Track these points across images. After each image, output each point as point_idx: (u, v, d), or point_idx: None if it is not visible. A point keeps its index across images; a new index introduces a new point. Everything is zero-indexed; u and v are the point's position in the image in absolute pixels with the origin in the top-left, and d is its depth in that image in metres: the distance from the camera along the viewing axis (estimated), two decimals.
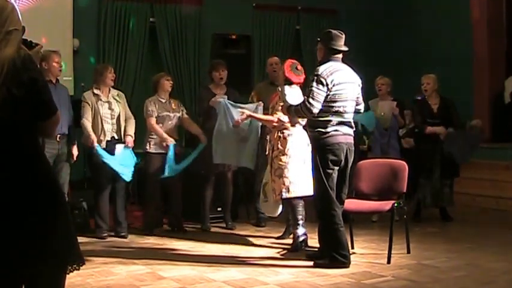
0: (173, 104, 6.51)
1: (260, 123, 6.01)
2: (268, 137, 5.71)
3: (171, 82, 6.51)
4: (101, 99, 6.13)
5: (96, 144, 5.95)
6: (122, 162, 6.06)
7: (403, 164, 5.44)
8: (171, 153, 6.23)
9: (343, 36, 4.91)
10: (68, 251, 2.39)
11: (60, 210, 2.36)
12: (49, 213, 2.30)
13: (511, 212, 7.39)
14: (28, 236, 2.24)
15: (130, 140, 6.17)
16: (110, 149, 6.05)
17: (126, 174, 6.08)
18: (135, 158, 6.18)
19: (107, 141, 6.09)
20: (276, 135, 5.53)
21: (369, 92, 7.10)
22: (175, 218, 6.50)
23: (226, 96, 6.39)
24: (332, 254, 4.83)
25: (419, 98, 7.20)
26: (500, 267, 4.90)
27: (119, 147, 6.11)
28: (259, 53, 8.94)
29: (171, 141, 6.27)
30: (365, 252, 5.44)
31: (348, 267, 4.81)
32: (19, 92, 2.20)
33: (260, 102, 6.11)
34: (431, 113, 6.91)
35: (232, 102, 6.23)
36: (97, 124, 6.08)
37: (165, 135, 6.31)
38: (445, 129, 6.83)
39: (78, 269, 2.43)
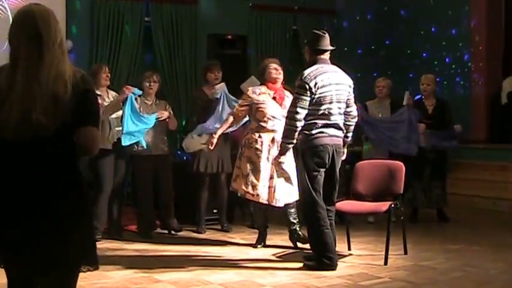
0: (160, 106, 6.29)
1: None
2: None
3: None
4: (104, 100, 5.95)
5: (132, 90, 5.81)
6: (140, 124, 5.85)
7: (400, 165, 5.44)
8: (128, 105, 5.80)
9: (327, 35, 4.89)
10: (81, 253, 2.42)
11: (85, 212, 2.41)
12: (76, 214, 2.34)
13: (508, 213, 7.38)
14: (49, 235, 2.27)
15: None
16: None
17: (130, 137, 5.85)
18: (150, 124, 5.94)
19: (114, 142, 5.92)
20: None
21: (367, 93, 7.11)
22: (166, 219, 6.38)
23: (225, 86, 6.32)
24: (319, 258, 4.82)
25: (416, 99, 7.18)
26: (498, 267, 4.90)
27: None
28: (255, 54, 8.89)
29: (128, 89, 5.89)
30: (362, 253, 5.42)
31: (334, 269, 4.78)
32: (76, 102, 2.27)
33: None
34: (426, 113, 6.90)
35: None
36: (105, 125, 5.84)
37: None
38: (425, 128, 6.76)
39: (92, 271, 2.47)
